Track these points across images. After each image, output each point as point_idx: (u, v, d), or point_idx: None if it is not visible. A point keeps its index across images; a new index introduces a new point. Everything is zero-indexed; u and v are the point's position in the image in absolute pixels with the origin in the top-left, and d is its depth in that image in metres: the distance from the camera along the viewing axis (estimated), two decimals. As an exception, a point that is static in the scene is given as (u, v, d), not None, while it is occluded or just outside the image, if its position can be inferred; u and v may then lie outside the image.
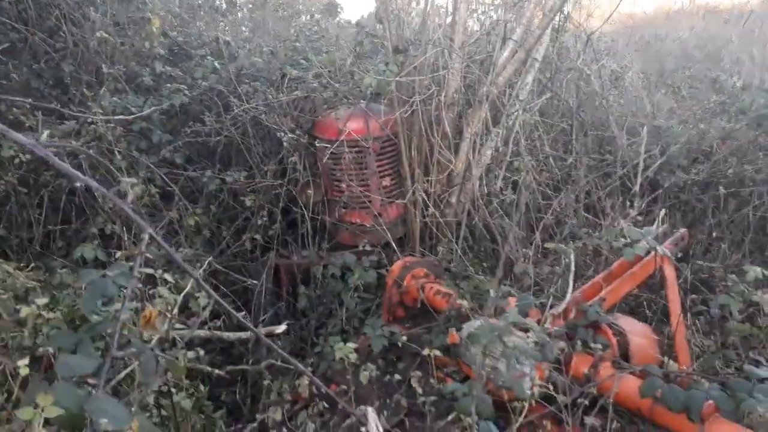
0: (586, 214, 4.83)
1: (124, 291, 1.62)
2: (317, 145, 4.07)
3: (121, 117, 3.88)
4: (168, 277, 2.29)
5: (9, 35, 4.63)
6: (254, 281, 4.18)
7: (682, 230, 3.14)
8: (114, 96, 4.61)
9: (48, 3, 4.86)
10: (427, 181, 4.37)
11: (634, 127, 5.16)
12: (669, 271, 2.85)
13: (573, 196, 4.79)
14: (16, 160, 3.86)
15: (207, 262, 4.12)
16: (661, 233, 3.03)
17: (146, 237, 1.66)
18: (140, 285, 1.85)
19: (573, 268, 2.94)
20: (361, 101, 4.23)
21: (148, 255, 2.00)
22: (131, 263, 1.64)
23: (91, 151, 4.12)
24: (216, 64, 4.86)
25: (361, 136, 4.05)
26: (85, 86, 4.78)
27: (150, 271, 2.11)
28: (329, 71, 4.38)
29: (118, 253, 2.69)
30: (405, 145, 4.25)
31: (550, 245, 3.09)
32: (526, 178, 4.20)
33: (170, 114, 4.82)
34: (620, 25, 11.61)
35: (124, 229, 4.10)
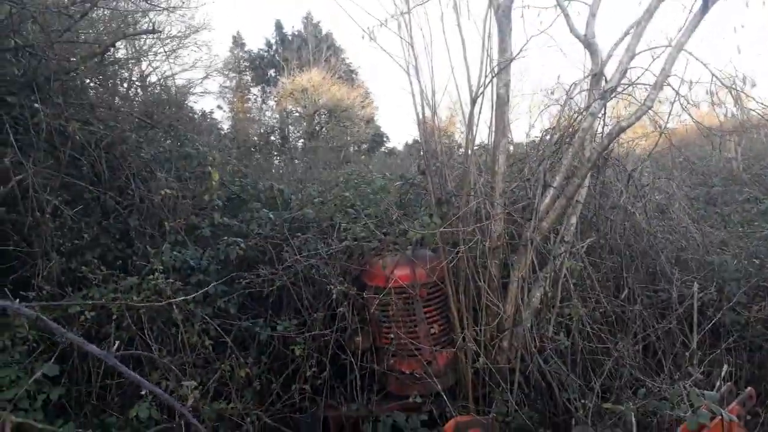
0: (644, 357, 4.64)
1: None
2: (365, 293, 4.14)
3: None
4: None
5: (84, 196, 5.05)
6: (304, 436, 4.12)
7: (749, 389, 2.97)
8: (175, 248, 4.89)
9: (119, 165, 5.33)
10: (477, 327, 4.34)
11: (686, 262, 5.06)
12: (740, 437, 2.67)
13: (630, 337, 4.64)
14: (82, 318, 4.05)
15: (256, 416, 4.16)
16: (726, 391, 2.87)
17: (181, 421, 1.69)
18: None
19: (635, 431, 2.79)
20: (408, 248, 4.35)
21: None
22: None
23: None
24: (270, 215, 5.13)
25: (407, 283, 4.12)
26: (149, 239, 5.11)
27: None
28: (376, 219, 4.55)
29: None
30: (452, 290, 4.29)
31: (608, 405, 2.96)
32: (578, 322, 4.11)
33: (225, 263, 5.04)
34: (662, 145, 11.74)
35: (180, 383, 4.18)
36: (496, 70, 4.18)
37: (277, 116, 27.85)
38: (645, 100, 3.88)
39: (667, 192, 6.33)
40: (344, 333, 4.42)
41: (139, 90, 7.03)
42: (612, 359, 4.34)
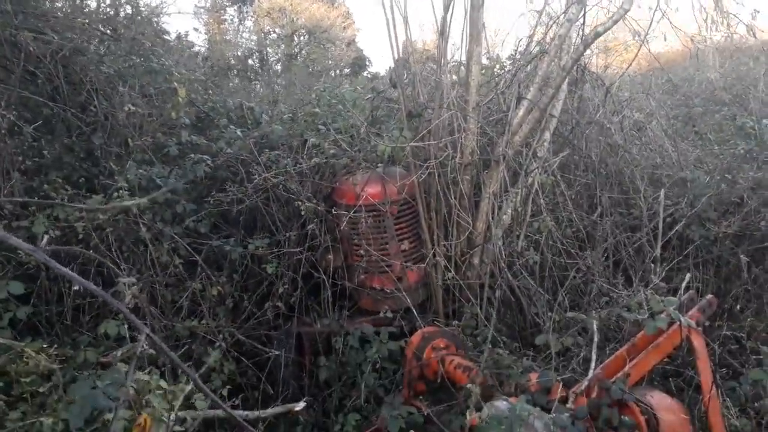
0: (614, 273, 4.71)
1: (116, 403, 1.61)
2: (336, 210, 4.09)
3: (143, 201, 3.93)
4: (163, 383, 2.26)
5: (43, 112, 4.83)
6: (276, 352, 4.17)
7: (709, 297, 3.00)
8: (141, 167, 4.75)
9: (80, 80, 5.08)
10: (448, 243, 4.33)
11: (660, 179, 5.05)
12: (697, 342, 2.72)
13: (600, 254, 4.69)
14: (46, 237, 3.96)
15: (229, 333, 4.19)
16: (687, 299, 2.91)
17: (143, 338, 1.66)
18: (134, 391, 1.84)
19: (596, 339, 2.84)
20: (378, 165, 4.26)
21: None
22: (126, 368, 1.64)
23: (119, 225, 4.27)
24: (238, 133, 4.98)
25: (378, 201, 4.06)
26: (114, 158, 4.95)
27: (146, 377, 2.10)
28: (348, 136, 4.43)
29: (117, 352, 2.69)
30: (423, 207, 4.25)
31: (570, 315, 3.00)
32: (548, 237, 4.12)
33: (195, 182, 4.93)
34: (647, 66, 11.56)
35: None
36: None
37: (255, 38, 26.82)
38: (623, 2, 3.71)
39: (646, 110, 6.25)
40: (316, 251, 4.40)
41: (104, 3, 6.57)
42: (581, 273, 4.40)
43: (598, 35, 3.85)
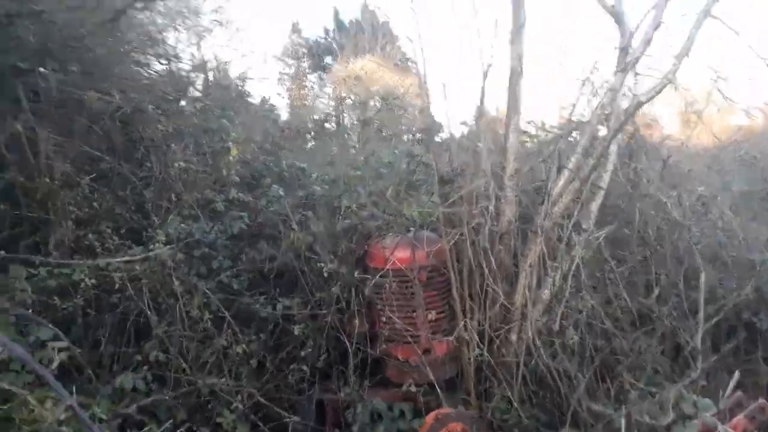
0: (674, 361, 4.28)
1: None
2: (359, 275, 3.99)
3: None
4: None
5: (100, 165, 5.10)
6: (296, 418, 4.02)
7: (761, 401, 2.61)
8: (186, 221, 4.87)
9: (139, 137, 5.36)
10: (481, 316, 4.10)
11: (724, 260, 4.64)
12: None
13: (654, 337, 4.30)
14: (82, 285, 4.08)
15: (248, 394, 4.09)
16: (733, 402, 2.55)
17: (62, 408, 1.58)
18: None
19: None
20: (411, 230, 4.15)
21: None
22: None
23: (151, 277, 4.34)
24: (280, 192, 5.04)
25: (405, 266, 3.93)
26: (164, 212, 5.11)
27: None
28: (384, 200, 4.37)
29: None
30: (455, 276, 4.06)
31: (596, 407, 2.69)
32: (591, 316, 3.82)
33: (238, 238, 4.99)
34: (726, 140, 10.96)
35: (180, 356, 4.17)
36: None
37: (332, 103, 27.95)
38: (667, 72, 3.52)
39: (713, 184, 5.84)
40: (343, 315, 4.28)
41: (171, 66, 7.01)
42: (628, 360, 4.02)
43: (640, 105, 3.66)
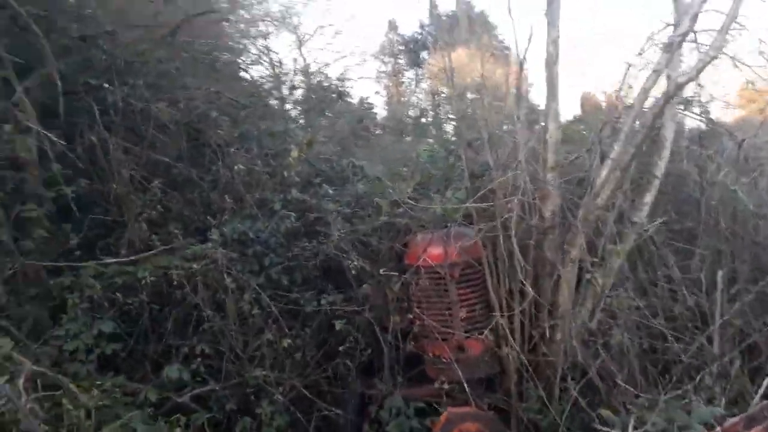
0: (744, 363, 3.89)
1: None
2: (385, 271, 4.01)
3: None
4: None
5: (171, 171, 5.50)
6: (338, 411, 4.12)
7: (788, 411, 2.31)
8: (246, 221, 5.13)
9: (204, 143, 5.72)
10: (521, 313, 3.96)
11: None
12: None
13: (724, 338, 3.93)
14: (142, 282, 4.42)
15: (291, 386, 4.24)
16: (758, 411, 2.29)
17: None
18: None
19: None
20: (447, 226, 4.10)
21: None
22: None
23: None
24: (330, 191, 5.16)
25: (437, 263, 3.88)
26: (227, 212, 5.40)
27: None
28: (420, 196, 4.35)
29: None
30: (490, 272, 3.96)
31: (603, 412, 2.53)
32: (630, 316, 3.56)
33: (293, 236, 5.17)
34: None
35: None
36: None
37: (427, 97, 27.95)
38: (708, 48, 3.18)
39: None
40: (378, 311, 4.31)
41: (250, 73, 7.40)
42: (684, 363, 3.71)
43: (679, 87, 3.34)
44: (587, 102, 13.56)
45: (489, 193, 3.79)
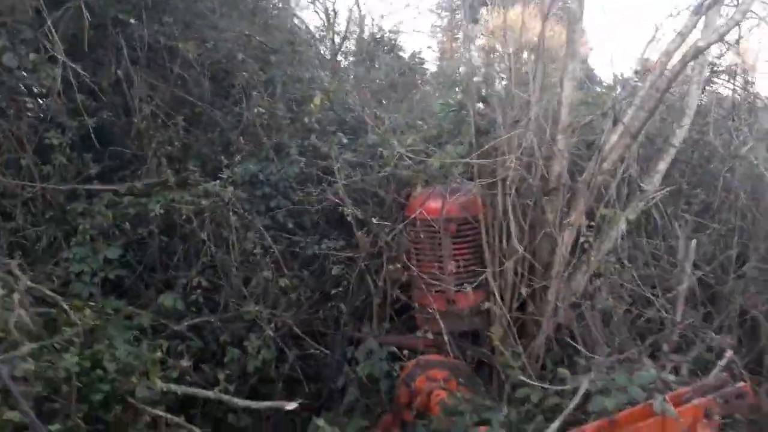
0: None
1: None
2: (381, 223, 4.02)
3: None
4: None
5: (194, 109, 5.59)
6: (326, 350, 4.24)
7: (742, 384, 2.22)
8: (261, 163, 5.21)
9: (230, 84, 5.78)
10: (515, 273, 3.93)
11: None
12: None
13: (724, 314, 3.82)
14: (152, 214, 4.57)
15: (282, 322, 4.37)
16: (715, 381, 2.22)
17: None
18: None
19: (575, 401, 2.34)
20: (449, 180, 4.06)
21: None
22: None
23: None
24: (344, 140, 5.17)
25: (433, 217, 3.87)
26: (245, 154, 5.48)
27: None
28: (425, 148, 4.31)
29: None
30: (487, 230, 3.92)
31: (561, 370, 2.51)
32: (614, 282, 3.49)
33: (308, 183, 5.23)
34: None
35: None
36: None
37: (481, 55, 27.20)
38: (734, 12, 2.97)
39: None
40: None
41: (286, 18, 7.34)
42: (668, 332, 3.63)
43: (699, 51, 3.14)
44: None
45: (492, 150, 3.71)
